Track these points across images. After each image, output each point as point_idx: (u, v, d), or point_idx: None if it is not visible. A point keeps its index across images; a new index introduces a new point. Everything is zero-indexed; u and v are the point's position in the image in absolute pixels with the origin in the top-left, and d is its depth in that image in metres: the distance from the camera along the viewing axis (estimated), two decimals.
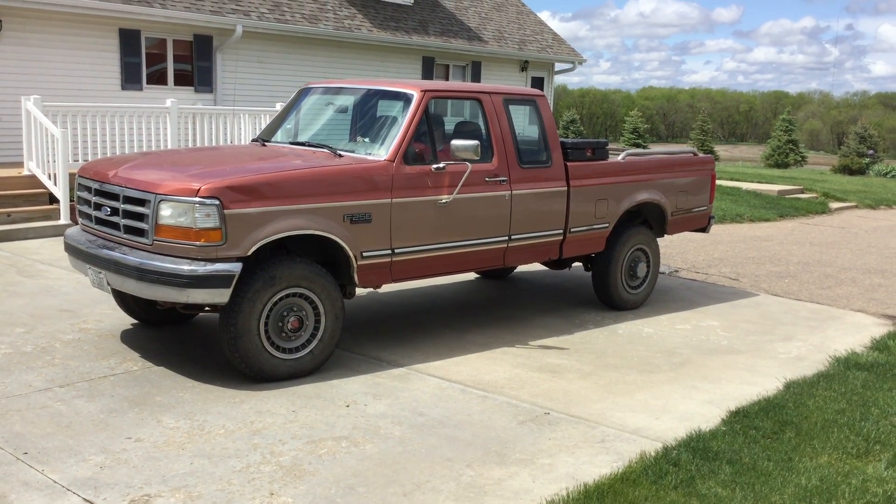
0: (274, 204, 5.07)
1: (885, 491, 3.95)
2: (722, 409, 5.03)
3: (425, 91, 6.06)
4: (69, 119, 10.93)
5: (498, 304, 7.65)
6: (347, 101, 6.73)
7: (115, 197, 5.28)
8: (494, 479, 4.01)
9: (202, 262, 4.87)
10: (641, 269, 7.70)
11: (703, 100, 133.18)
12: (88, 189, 5.62)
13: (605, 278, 7.45)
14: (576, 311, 7.51)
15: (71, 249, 5.69)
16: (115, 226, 5.30)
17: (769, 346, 6.64)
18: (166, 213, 4.92)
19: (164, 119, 11.90)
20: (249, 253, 4.99)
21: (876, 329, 7.31)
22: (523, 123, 7.12)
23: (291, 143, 6.41)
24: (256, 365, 5.11)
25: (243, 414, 4.67)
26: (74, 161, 10.98)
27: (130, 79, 14.13)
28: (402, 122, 5.88)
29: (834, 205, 17.59)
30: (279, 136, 6.66)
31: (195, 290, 4.86)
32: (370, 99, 6.49)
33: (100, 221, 5.47)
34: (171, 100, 12.05)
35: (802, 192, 18.91)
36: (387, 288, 7.67)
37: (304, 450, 4.22)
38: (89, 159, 11.16)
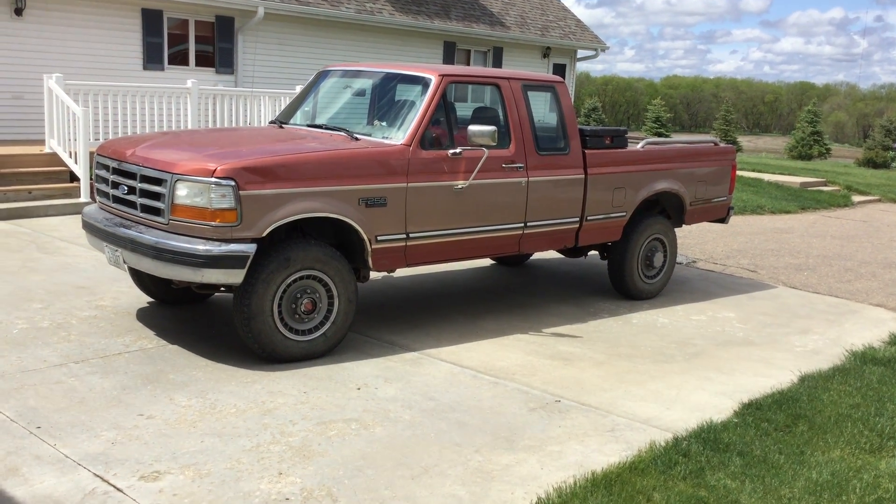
0: (289, 186, 5.08)
1: None
2: (734, 401, 5.00)
3: (443, 76, 6.03)
4: (90, 98, 10.99)
5: (512, 291, 7.64)
6: (365, 84, 6.71)
7: (132, 176, 5.30)
8: (502, 464, 4.01)
9: (217, 243, 4.89)
10: (658, 259, 7.65)
11: (728, 90, 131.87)
12: (107, 167, 5.65)
13: (622, 267, 7.40)
14: (590, 299, 7.48)
15: (89, 227, 5.74)
16: (132, 204, 5.33)
17: (785, 338, 6.58)
18: (182, 192, 4.94)
19: (185, 99, 11.94)
20: (264, 234, 5.01)
21: (894, 324, 7.22)
22: (542, 110, 7.06)
23: (309, 126, 6.39)
24: (269, 346, 5.13)
25: (255, 394, 4.69)
26: (95, 139, 11.03)
27: (152, 59, 14.17)
28: (420, 107, 5.86)
29: (857, 198, 17.37)
30: (297, 118, 6.66)
31: (210, 270, 4.88)
32: (388, 83, 6.48)
33: (117, 200, 5.50)
34: (192, 80, 12.07)
35: (825, 185, 18.69)
36: (401, 272, 7.68)
37: (313, 431, 4.24)
38: (110, 138, 11.23)
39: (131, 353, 5.26)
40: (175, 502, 3.46)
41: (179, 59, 14.70)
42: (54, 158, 10.87)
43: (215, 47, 15.01)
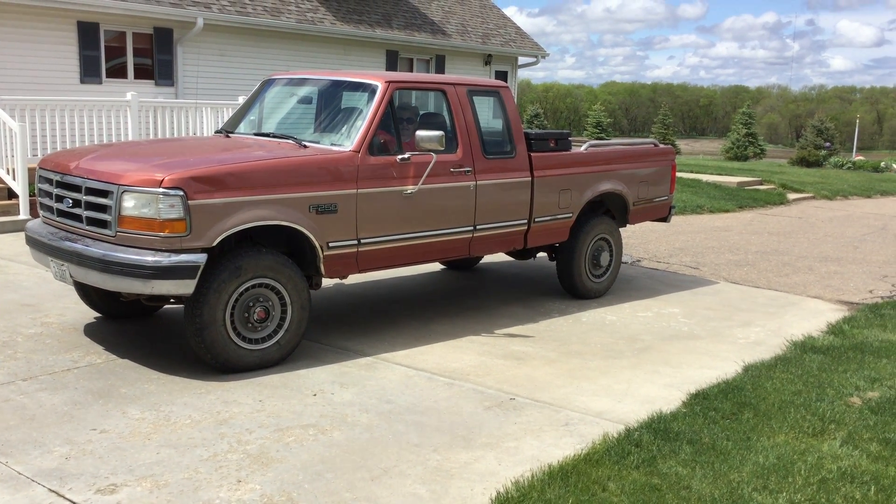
0: (239, 195, 5.07)
1: (840, 467, 4.07)
2: (682, 392, 5.14)
3: (389, 82, 6.07)
4: (27, 113, 10.76)
5: (462, 295, 7.71)
6: (311, 91, 6.73)
7: (77, 189, 5.22)
8: (461, 462, 4.06)
9: (167, 254, 4.86)
10: (604, 259, 7.82)
11: (665, 94, 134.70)
12: (49, 181, 5.56)
13: (570, 267, 7.54)
14: (540, 300, 7.59)
15: (32, 242, 5.64)
16: (77, 217, 5.25)
17: (728, 331, 6.78)
18: (129, 204, 4.89)
19: (125, 112, 11.75)
20: (214, 244, 4.99)
21: (831, 314, 7.50)
22: (488, 115, 7.17)
23: (256, 135, 6.37)
24: (223, 356, 5.11)
25: (209, 404, 4.66)
26: (34, 155, 10.78)
27: (90, 72, 13.92)
28: (367, 113, 5.89)
29: (792, 196, 17.94)
30: (243, 127, 6.63)
31: (160, 282, 4.84)
32: (335, 90, 6.51)
33: (62, 213, 5.42)
34: (132, 93, 11.91)
35: (761, 184, 19.25)
36: (352, 279, 7.69)
37: (271, 438, 4.24)
38: (48, 153, 10.99)
39: (80, 368, 5.17)
40: None
41: (118, 71, 14.46)
42: None
43: (154, 59, 14.81)
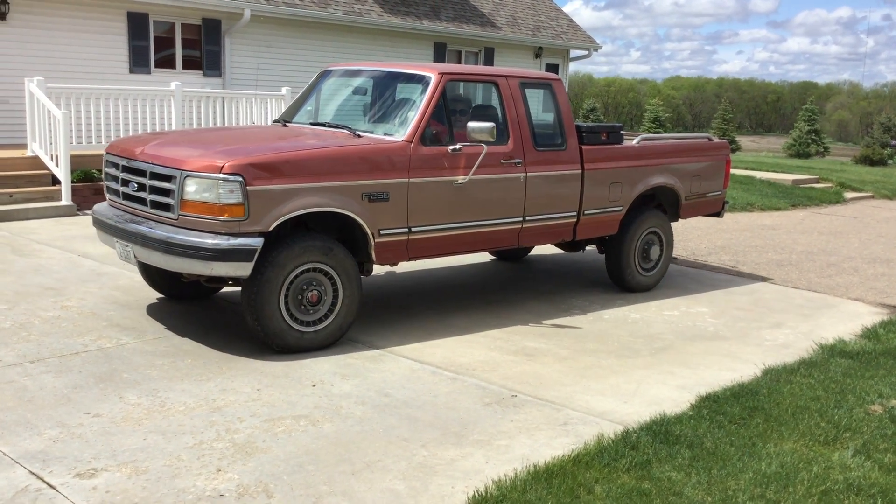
0: (295, 182, 5.23)
1: (847, 479, 3.85)
2: (693, 395, 4.95)
3: (443, 73, 6.16)
4: (73, 101, 10.99)
5: (486, 289, 7.60)
6: (366, 83, 6.89)
7: (142, 173, 5.46)
8: (447, 459, 3.97)
9: (225, 237, 5.04)
10: (654, 252, 7.76)
11: (731, 89, 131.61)
12: (116, 166, 5.80)
13: (619, 261, 7.51)
14: (565, 295, 7.43)
15: (99, 224, 5.92)
16: (142, 201, 5.49)
17: (756, 332, 6.53)
18: (191, 188, 5.09)
19: (169, 102, 11.93)
20: (271, 228, 5.16)
21: (870, 318, 7.17)
22: (540, 107, 7.23)
23: (312, 124, 6.56)
24: (277, 336, 5.28)
25: (207, 392, 4.66)
26: (78, 143, 11.06)
27: (139, 62, 14.18)
28: (420, 104, 6.01)
29: (849, 195, 17.30)
30: (300, 116, 6.86)
31: (218, 264, 5.04)
32: (389, 81, 6.65)
33: (127, 197, 5.67)
34: (176, 83, 12.07)
35: (818, 182, 18.62)
36: (377, 270, 7.65)
37: (260, 427, 4.21)
38: (92, 142, 11.24)
39: (89, 352, 5.23)
40: (107, 499, 3.43)
41: (166, 62, 14.71)
42: (36, 162, 10.87)
43: (202, 50, 15.02)
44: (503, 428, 4.38)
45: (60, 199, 10.39)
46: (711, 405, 4.71)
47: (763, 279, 8.66)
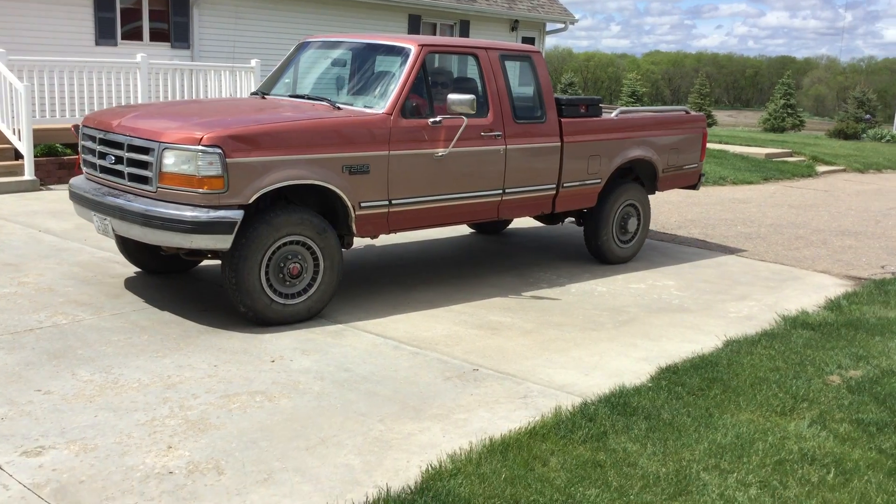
0: (275, 154, 5.20)
1: (802, 448, 3.87)
2: (654, 367, 4.95)
3: (423, 45, 6.13)
4: (35, 74, 10.76)
5: (454, 263, 7.56)
6: (345, 55, 6.82)
7: (119, 146, 5.41)
8: (404, 433, 3.94)
9: (205, 209, 5.01)
10: (632, 225, 7.80)
11: (709, 64, 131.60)
12: (93, 138, 5.74)
13: (597, 233, 7.56)
14: (532, 269, 7.41)
15: (76, 197, 5.86)
16: (119, 174, 5.44)
17: (721, 305, 6.54)
18: (170, 161, 5.05)
19: (135, 75, 11.71)
20: (251, 201, 5.14)
21: (834, 289, 7.21)
22: (519, 80, 7.21)
23: (291, 96, 6.52)
24: (258, 308, 5.27)
25: (162, 368, 4.59)
26: (42, 117, 10.85)
27: (105, 34, 13.89)
28: (400, 76, 5.97)
29: (821, 168, 17.39)
30: (278, 89, 6.81)
31: (198, 236, 5.02)
32: (368, 53, 6.59)
33: (104, 170, 5.61)
34: (142, 55, 11.84)
35: (791, 156, 18.69)
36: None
37: (215, 404, 4.15)
38: (56, 115, 11.03)
39: (43, 328, 5.14)
40: (53, 477, 3.37)
41: (134, 34, 14.42)
42: None
43: (170, 21, 14.74)
44: (462, 402, 4.35)
45: (23, 174, 10.19)
46: (671, 377, 4.71)
47: (731, 252, 8.68)
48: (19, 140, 10.28)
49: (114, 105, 11.45)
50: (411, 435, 3.92)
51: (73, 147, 11.04)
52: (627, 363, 5.06)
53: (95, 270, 6.53)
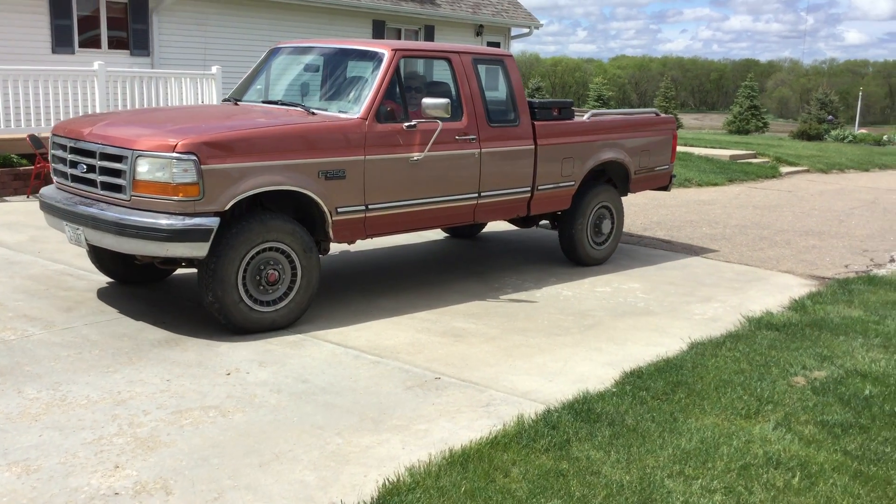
0: (250, 160, 5.15)
1: (767, 452, 3.81)
2: (619, 371, 4.88)
3: (396, 50, 6.12)
4: None
5: (418, 270, 7.46)
6: (317, 60, 6.79)
7: (91, 154, 5.32)
8: (362, 446, 3.82)
9: (180, 217, 4.94)
10: (606, 226, 7.85)
11: (675, 68, 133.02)
12: (63, 147, 5.63)
13: (571, 235, 7.58)
14: (498, 274, 7.33)
15: (47, 207, 5.73)
16: (91, 183, 5.35)
17: (686, 307, 6.51)
18: (144, 168, 4.97)
19: (93, 83, 11.48)
20: (227, 208, 5.08)
21: (799, 289, 7.21)
22: (492, 84, 7.23)
23: (264, 102, 6.46)
24: (235, 317, 5.22)
25: (113, 384, 4.43)
26: None
27: (62, 42, 13.62)
28: (374, 81, 5.96)
29: (785, 169, 17.54)
30: (250, 95, 6.72)
31: (174, 244, 4.95)
32: (341, 58, 6.59)
33: (76, 179, 5.50)
34: (99, 62, 11.61)
35: (755, 157, 18.84)
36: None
37: (166, 420, 4.01)
38: (11, 125, 10.75)
39: None
40: None
41: (92, 42, 14.16)
42: None
43: (129, 29, 14.49)
44: (423, 412, 4.25)
45: None
46: (635, 381, 4.65)
47: (696, 253, 8.67)
48: None
49: (70, 114, 11.22)
50: (370, 448, 3.81)
51: (30, 157, 10.79)
52: (592, 368, 4.99)
53: (48, 283, 6.33)
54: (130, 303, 5.95)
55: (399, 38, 19.41)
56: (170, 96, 12.27)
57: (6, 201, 9.96)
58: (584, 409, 4.19)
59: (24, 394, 4.25)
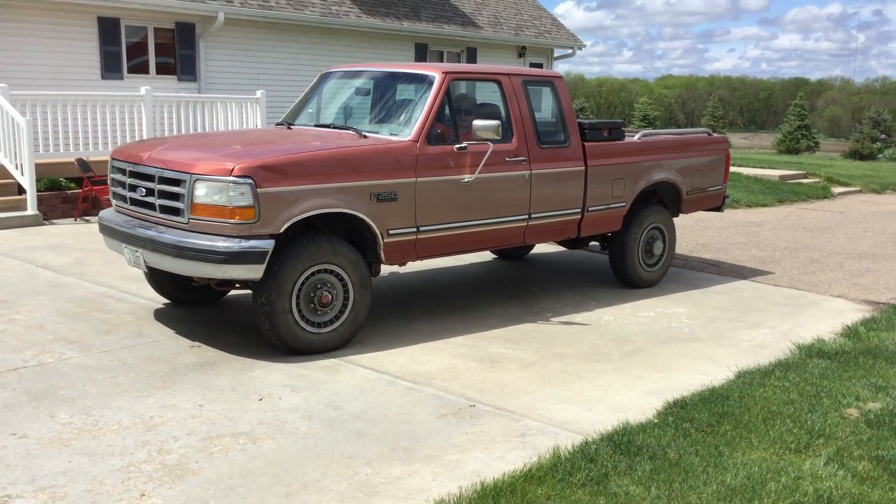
0: (305, 183, 5.22)
1: (817, 489, 3.61)
2: (661, 401, 4.70)
3: (447, 73, 6.16)
4: (38, 108, 10.72)
5: (456, 293, 7.36)
6: (368, 83, 6.89)
7: (150, 178, 5.43)
8: (392, 477, 3.72)
9: (237, 239, 5.02)
10: (658, 248, 7.76)
11: (722, 87, 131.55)
12: (122, 171, 5.76)
13: (622, 257, 7.50)
14: (537, 298, 7.19)
15: (106, 230, 5.87)
16: (150, 206, 5.46)
17: (733, 333, 6.29)
18: (201, 192, 5.06)
19: (140, 108, 11.68)
20: (281, 230, 5.14)
21: (852, 315, 6.93)
22: (541, 105, 7.23)
23: (316, 126, 6.53)
24: (289, 338, 5.26)
25: (145, 409, 4.40)
26: (45, 151, 10.81)
27: (111, 68, 13.90)
28: (425, 104, 6.00)
29: (837, 189, 17.08)
30: (302, 119, 6.79)
31: (231, 266, 5.01)
32: (391, 81, 6.65)
33: (135, 202, 5.63)
34: (146, 87, 11.82)
35: (805, 178, 18.40)
36: None
37: (196, 447, 3.95)
38: (60, 149, 10.97)
39: (28, 367, 4.98)
40: None
41: (140, 68, 14.41)
42: (1, 171, 10.59)
43: (176, 54, 14.74)
44: (457, 441, 4.13)
45: (26, 209, 10.12)
46: (678, 412, 4.47)
47: (744, 277, 8.42)
48: (22, 175, 10.23)
49: (118, 138, 11.42)
50: (399, 479, 3.70)
51: (77, 181, 11.00)
52: (633, 397, 4.82)
53: (89, 306, 6.38)
54: (169, 325, 5.95)
55: (442, 61, 19.46)
56: (215, 120, 12.42)
57: (54, 224, 10.14)
58: (623, 441, 4.02)
59: (56, 418, 4.24)
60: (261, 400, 4.59)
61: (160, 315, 6.22)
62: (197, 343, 5.55)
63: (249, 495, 3.50)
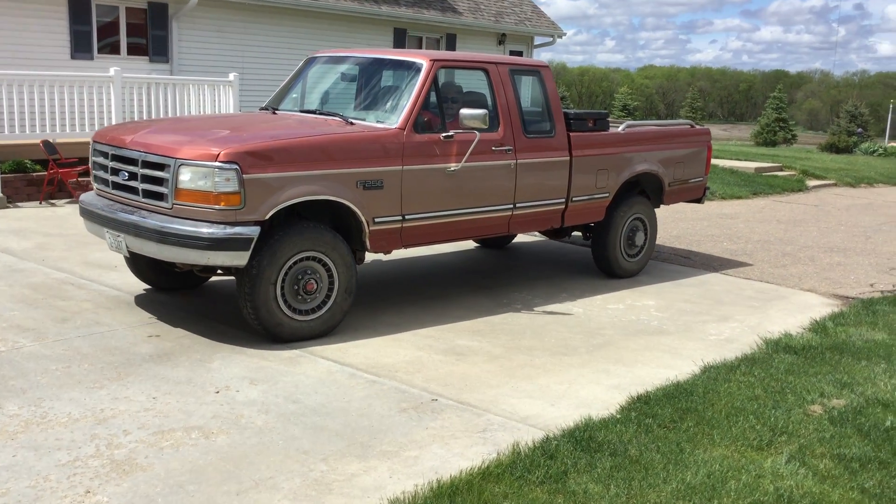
0: (291, 170, 5.16)
1: (778, 488, 3.57)
2: (625, 395, 4.65)
3: (434, 60, 6.10)
4: (4, 87, 10.45)
5: (424, 284, 7.26)
6: (353, 69, 6.79)
7: (133, 162, 5.34)
8: (347, 474, 3.63)
9: (222, 226, 4.96)
10: (639, 238, 7.77)
11: (703, 78, 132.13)
12: (104, 154, 5.65)
13: (605, 247, 7.52)
14: (507, 289, 7.12)
15: (87, 214, 5.77)
16: (133, 190, 5.36)
17: (701, 327, 6.26)
18: (186, 177, 4.99)
19: (108, 89, 11.45)
20: (267, 217, 5.09)
21: (821, 309, 6.92)
22: (527, 94, 7.21)
23: (301, 112, 6.44)
24: (273, 325, 5.23)
25: (97, 401, 4.28)
26: (11, 132, 10.56)
27: (80, 48, 13.62)
28: (412, 91, 5.94)
29: (812, 182, 17.15)
30: (286, 104, 6.72)
31: (215, 253, 4.96)
32: (378, 68, 6.58)
33: (117, 186, 5.53)
34: (115, 68, 11.58)
35: (781, 170, 18.46)
36: None
37: (146, 441, 3.85)
38: (26, 130, 10.72)
39: None
40: None
41: (111, 48, 14.16)
42: None
43: (148, 35, 14.48)
44: (416, 437, 4.05)
45: None
46: (642, 407, 4.42)
47: (715, 269, 8.40)
48: None
49: (85, 120, 11.20)
50: (355, 476, 3.62)
51: (43, 163, 10.77)
52: (598, 391, 4.76)
53: (47, 293, 6.22)
54: (129, 314, 5.81)
55: (420, 46, 19.30)
56: (187, 103, 12.20)
57: (18, 207, 9.92)
58: (585, 437, 3.96)
59: (4, 410, 4.11)
60: (217, 392, 4.48)
61: (120, 303, 6.08)
62: (156, 333, 5.42)
63: (198, 493, 3.40)
